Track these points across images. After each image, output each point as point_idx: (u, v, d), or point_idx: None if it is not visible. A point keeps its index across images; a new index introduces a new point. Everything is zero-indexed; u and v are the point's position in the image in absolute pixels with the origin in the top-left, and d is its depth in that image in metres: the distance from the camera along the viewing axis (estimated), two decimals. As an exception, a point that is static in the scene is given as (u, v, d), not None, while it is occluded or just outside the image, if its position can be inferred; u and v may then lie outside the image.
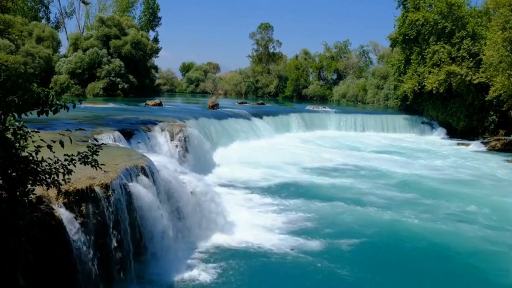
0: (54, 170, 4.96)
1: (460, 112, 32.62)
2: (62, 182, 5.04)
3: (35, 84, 4.65)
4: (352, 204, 13.46)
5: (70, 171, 5.07)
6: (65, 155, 5.11)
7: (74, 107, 4.77)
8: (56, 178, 4.94)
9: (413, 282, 8.85)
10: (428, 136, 33.74)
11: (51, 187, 4.95)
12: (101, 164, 5.42)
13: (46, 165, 4.90)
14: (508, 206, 14.12)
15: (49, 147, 4.74)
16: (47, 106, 4.60)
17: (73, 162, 5.11)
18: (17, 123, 4.57)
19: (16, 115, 4.61)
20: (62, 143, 4.86)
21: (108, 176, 7.34)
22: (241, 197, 13.81)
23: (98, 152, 5.39)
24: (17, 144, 4.61)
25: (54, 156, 5.02)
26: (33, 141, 4.72)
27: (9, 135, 4.54)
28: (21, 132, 4.60)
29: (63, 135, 5.13)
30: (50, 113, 4.67)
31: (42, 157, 4.85)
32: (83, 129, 5.44)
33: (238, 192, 14.35)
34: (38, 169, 4.73)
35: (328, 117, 34.73)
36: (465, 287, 8.79)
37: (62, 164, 5.05)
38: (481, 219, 12.50)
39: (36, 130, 4.96)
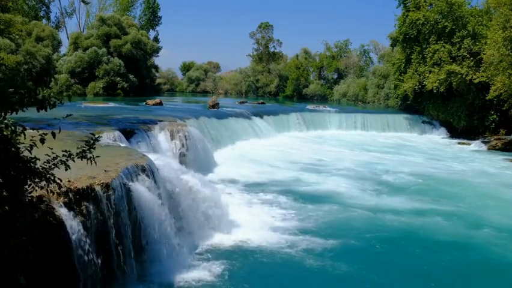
0: (53, 166, 4.96)
1: (461, 111, 32.61)
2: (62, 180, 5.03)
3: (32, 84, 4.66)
4: (352, 203, 13.50)
5: (67, 167, 5.07)
6: (63, 151, 5.11)
7: (69, 99, 4.91)
8: (54, 178, 4.93)
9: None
10: (428, 135, 33.73)
11: (51, 183, 4.94)
12: (97, 157, 5.41)
13: (45, 162, 4.91)
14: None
15: (42, 141, 4.68)
16: (44, 102, 4.60)
17: (71, 157, 5.11)
18: (12, 120, 4.55)
19: (13, 112, 4.59)
20: (53, 134, 4.85)
21: (108, 175, 7.33)
22: (241, 196, 13.79)
23: (95, 145, 5.36)
24: (18, 145, 4.59)
25: (53, 153, 5.02)
26: (31, 138, 4.73)
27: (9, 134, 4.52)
28: (19, 130, 4.57)
29: (53, 125, 5.17)
30: (51, 113, 4.67)
31: (46, 160, 4.86)
32: (71, 115, 5.53)
33: (238, 191, 14.33)
34: (37, 167, 4.72)
35: (328, 116, 34.73)
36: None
37: (60, 160, 5.05)
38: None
39: (37, 132, 4.96)
